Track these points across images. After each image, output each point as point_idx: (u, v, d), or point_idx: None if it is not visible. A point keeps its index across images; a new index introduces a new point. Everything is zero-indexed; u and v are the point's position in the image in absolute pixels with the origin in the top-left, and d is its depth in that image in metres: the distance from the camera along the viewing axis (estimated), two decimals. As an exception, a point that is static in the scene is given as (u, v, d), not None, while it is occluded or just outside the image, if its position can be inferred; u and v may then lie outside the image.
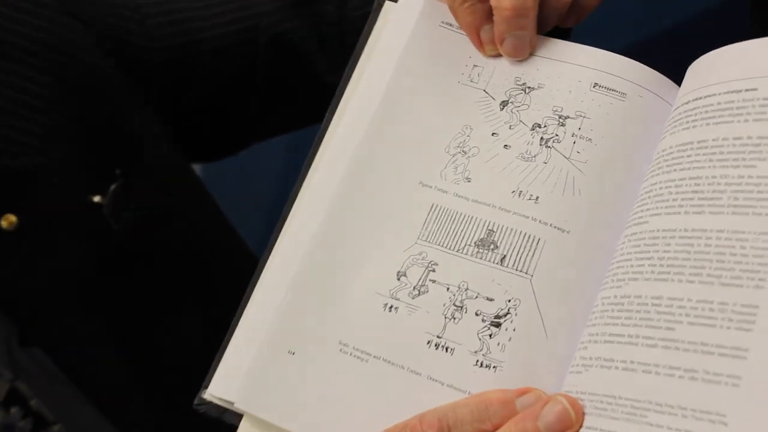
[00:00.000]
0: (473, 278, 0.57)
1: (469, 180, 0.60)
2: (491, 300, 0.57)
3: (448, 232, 0.59)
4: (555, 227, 0.58)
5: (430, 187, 0.60)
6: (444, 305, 0.57)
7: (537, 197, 0.58)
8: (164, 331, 0.83)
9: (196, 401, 0.60)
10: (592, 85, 0.60)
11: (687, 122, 0.55)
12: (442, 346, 0.56)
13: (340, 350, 0.58)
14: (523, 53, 0.62)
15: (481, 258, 0.58)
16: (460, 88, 0.63)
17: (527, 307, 0.56)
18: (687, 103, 0.56)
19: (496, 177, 0.60)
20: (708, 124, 0.54)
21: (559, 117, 0.60)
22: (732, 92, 0.54)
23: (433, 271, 0.58)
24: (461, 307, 0.57)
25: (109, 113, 0.81)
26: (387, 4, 0.66)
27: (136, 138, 0.83)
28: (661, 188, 0.55)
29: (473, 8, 0.62)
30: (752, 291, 0.48)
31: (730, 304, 0.48)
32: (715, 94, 0.55)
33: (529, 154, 0.60)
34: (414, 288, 0.58)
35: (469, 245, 0.58)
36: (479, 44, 0.63)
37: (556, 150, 0.59)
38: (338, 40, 0.85)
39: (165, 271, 0.84)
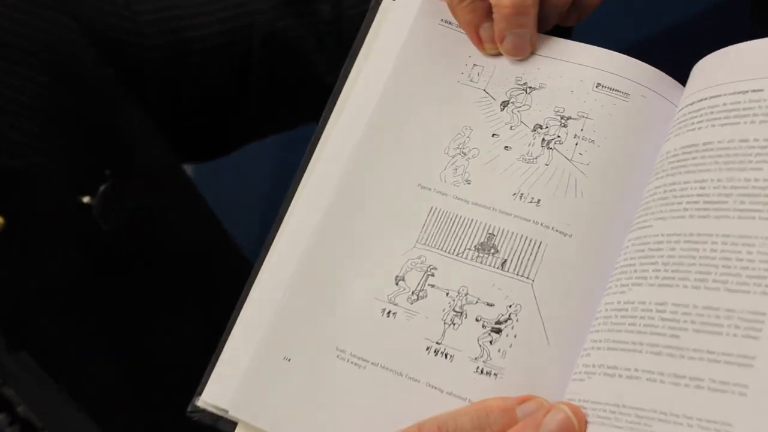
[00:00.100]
0: (473, 283, 0.57)
1: (469, 182, 0.60)
2: (492, 305, 0.57)
3: (448, 236, 0.59)
4: (557, 231, 0.57)
5: (429, 189, 0.60)
6: (443, 310, 0.57)
7: (538, 200, 0.58)
8: (156, 334, 0.83)
9: (189, 408, 0.60)
10: (595, 85, 0.60)
11: (692, 123, 0.55)
12: (442, 353, 0.56)
13: (337, 356, 0.57)
14: (524, 52, 0.62)
15: (481, 262, 0.58)
16: (459, 87, 0.63)
17: (528, 312, 0.56)
18: (692, 104, 0.56)
19: (496, 179, 0.60)
20: (714, 125, 0.54)
21: (561, 118, 0.60)
22: (738, 93, 0.54)
23: (432, 275, 0.58)
24: (461, 313, 0.57)
25: (103, 113, 0.81)
26: (385, 2, 0.66)
27: (127, 138, 0.83)
28: (665, 191, 0.54)
29: (472, 6, 0.62)
30: (759, 297, 0.48)
31: (737, 311, 0.48)
32: (720, 95, 0.55)
33: (531, 155, 0.60)
34: (413, 293, 0.58)
35: (469, 249, 0.58)
36: (479, 43, 0.63)
37: (558, 151, 0.59)
38: (335, 38, 0.85)
39: (156, 273, 0.84)
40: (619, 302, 0.54)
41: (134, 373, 0.81)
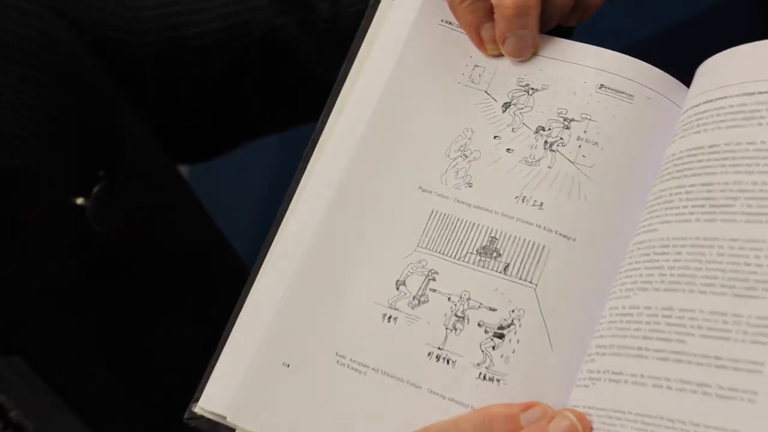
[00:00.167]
0: (475, 287, 0.57)
1: (470, 185, 0.60)
2: (494, 310, 0.56)
3: (449, 240, 0.59)
4: (560, 234, 0.57)
5: (430, 192, 0.60)
6: (445, 315, 0.57)
7: (541, 203, 0.58)
8: (152, 336, 0.83)
9: (186, 415, 0.59)
10: (598, 86, 0.60)
11: (698, 125, 0.55)
12: (444, 358, 0.56)
13: (337, 362, 0.57)
14: (526, 53, 0.62)
15: (483, 266, 0.57)
16: (460, 89, 0.63)
17: (532, 317, 0.56)
18: (697, 105, 0.56)
19: (498, 182, 0.59)
20: (720, 127, 0.54)
21: (564, 119, 0.60)
22: (745, 95, 0.54)
23: (434, 279, 0.58)
24: (463, 318, 0.57)
25: (99, 113, 0.80)
26: (384, 1, 0.65)
27: (121, 138, 0.83)
28: (671, 194, 0.54)
29: (473, 6, 0.61)
30: (768, 303, 0.48)
31: (745, 316, 0.48)
32: (727, 97, 0.54)
33: (533, 158, 0.60)
34: (414, 297, 0.58)
35: (471, 253, 0.58)
36: (480, 43, 0.63)
37: (561, 154, 0.59)
38: (333, 37, 0.85)
39: (151, 275, 0.84)
40: (624, 307, 0.53)
41: (130, 377, 0.81)
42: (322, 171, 0.62)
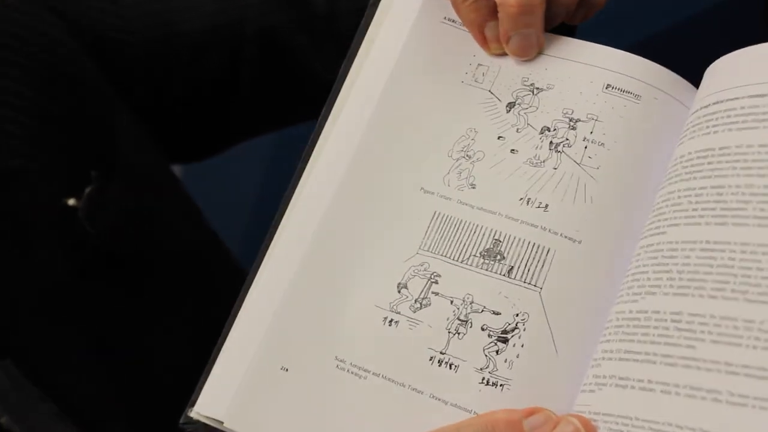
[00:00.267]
0: (479, 291, 0.57)
1: (473, 186, 0.59)
2: (498, 314, 0.56)
3: (452, 242, 0.58)
4: (565, 237, 0.57)
5: (433, 193, 0.60)
6: (447, 319, 0.57)
7: (546, 205, 0.58)
8: (146, 340, 0.83)
9: (182, 420, 0.59)
10: (605, 86, 0.60)
11: (707, 127, 0.55)
12: (446, 363, 0.56)
13: (337, 367, 0.57)
14: (530, 53, 0.62)
15: (487, 269, 0.57)
16: (463, 88, 0.62)
17: (536, 321, 0.56)
18: (707, 106, 0.56)
19: (502, 183, 0.59)
20: (730, 129, 0.54)
21: (570, 120, 0.60)
22: (756, 96, 0.53)
23: (436, 282, 0.58)
24: (466, 322, 0.56)
25: (91, 113, 0.80)
26: (385, -1, 0.65)
27: (114, 139, 0.82)
28: (679, 197, 0.54)
29: (477, 4, 0.61)
30: (780, 308, 0.48)
31: (757, 322, 0.48)
32: (737, 98, 0.54)
33: (538, 159, 0.59)
34: (415, 301, 0.57)
35: (474, 256, 0.58)
36: (483, 42, 0.63)
37: (567, 155, 0.59)
38: (330, 34, 0.84)
39: (145, 278, 0.84)
40: (631, 311, 0.53)
41: (124, 382, 0.80)
42: (321, 171, 0.62)
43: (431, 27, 0.64)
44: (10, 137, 0.74)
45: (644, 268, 0.54)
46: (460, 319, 0.56)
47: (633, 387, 0.51)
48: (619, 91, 0.60)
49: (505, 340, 0.56)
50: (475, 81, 0.63)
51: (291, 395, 0.57)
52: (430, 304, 0.57)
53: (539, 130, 0.60)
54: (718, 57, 0.58)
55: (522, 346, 0.55)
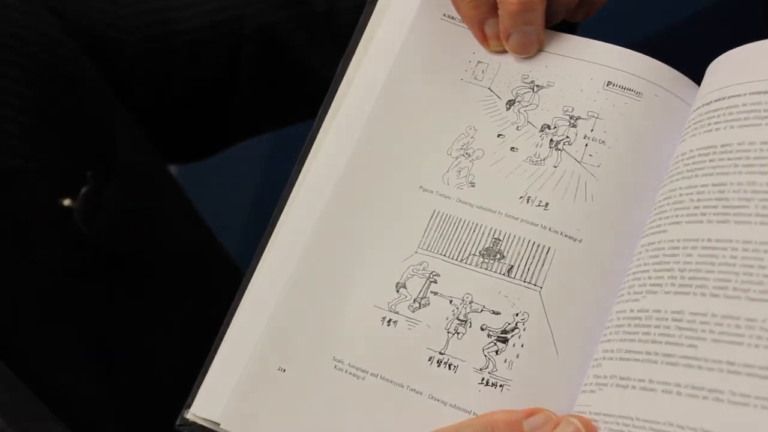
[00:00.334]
0: (478, 290, 0.57)
1: (473, 185, 0.60)
2: (497, 314, 0.56)
3: (451, 241, 0.59)
4: (566, 236, 0.57)
5: (432, 192, 0.60)
6: (447, 319, 0.57)
7: (546, 203, 0.58)
8: (145, 341, 0.83)
9: (178, 421, 0.59)
10: (605, 83, 0.60)
11: (709, 124, 0.55)
12: (445, 363, 0.56)
13: (335, 367, 0.57)
14: (531, 50, 0.62)
15: (486, 268, 0.57)
16: (463, 85, 0.63)
17: (536, 321, 0.56)
18: (708, 103, 0.56)
19: (502, 182, 0.59)
20: (732, 126, 0.54)
21: (570, 117, 0.60)
22: (759, 93, 0.54)
23: (435, 282, 0.58)
24: (465, 321, 0.56)
25: (87, 112, 0.80)
26: (384, -5, 0.65)
27: (110, 138, 0.82)
28: (681, 195, 0.54)
29: (477, 1, 0.62)
30: (783, 307, 0.48)
31: (759, 321, 0.48)
32: (740, 95, 0.54)
33: (538, 157, 0.60)
34: (414, 300, 0.58)
35: (474, 255, 0.58)
36: (483, 40, 0.63)
37: (567, 153, 0.59)
38: (328, 32, 0.85)
39: (143, 278, 0.84)
40: (632, 310, 0.53)
41: (121, 382, 0.81)
42: (319, 170, 0.62)
43: (430, 24, 0.64)
44: (10, 137, 0.74)
45: (645, 266, 0.54)
46: (459, 319, 0.57)
47: (634, 387, 0.51)
48: (620, 89, 0.60)
49: (505, 340, 0.56)
50: (475, 78, 0.63)
51: (288, 396, 0.57)
52: (428, 304, 0.57)
53: (539, 127, 0.60)
54: (720, 54, 0.58)
55: (522, 346, 0.56)
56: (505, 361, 0.55)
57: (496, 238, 0.58)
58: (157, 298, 0.85)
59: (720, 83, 0.56)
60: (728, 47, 0.58)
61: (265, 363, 0.58)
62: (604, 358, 0.54)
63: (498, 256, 0.58)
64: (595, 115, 0.60)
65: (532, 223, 0.58)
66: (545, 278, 0.57)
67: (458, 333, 0.56)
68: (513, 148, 0.60)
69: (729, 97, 0.55)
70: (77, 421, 0.75)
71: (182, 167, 1.15)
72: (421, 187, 0.60)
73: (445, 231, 0.59)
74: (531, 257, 0.57)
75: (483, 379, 0.55)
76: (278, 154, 1.24)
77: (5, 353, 0.73)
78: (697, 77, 0.60)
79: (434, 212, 0.60)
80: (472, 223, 0.59)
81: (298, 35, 0.86)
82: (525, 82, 0.62)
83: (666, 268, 0.53)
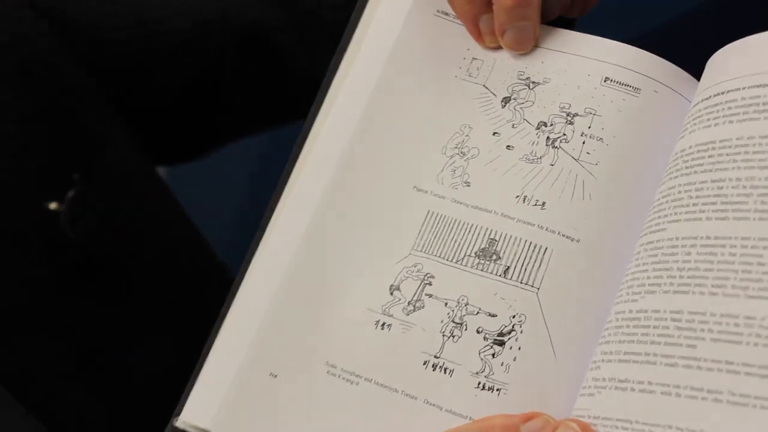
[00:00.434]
0: (474, 292, 0.57)
1: (468, 184, 0.60)
2: (494, 316, 0.57)
3: (446, 242, 0.59)
4: (563, 235, 0.58)
5: (426, 192, 0.61)
6: (442, 322, 0.57)
7: (543, 203, 0.59)
8: (129, 347, 0.83)
9: (167, 429, 0.59)
10: (603, 79, 0.61)
11: (708, 120, 0.56)
12: (440, 367, 0.56)
13: (328, 372, 0.57)
14: (526, 46, 0.63)
15: (482, 270, 0.58)
16: (457, 83, 0.63)
17: (533, 323, 0.56)
18: (708, 98, 0.57)
19: (498, 181, 0.60)
20: (731, 121, 0.54)
21: (567, 114, 0.60)
22: (758, 86, 0.54)
23: (430, 284, 0.58)
24: (461, 324, 0.57)
25: (71, 114, 0.80)
26: (375, -9, 0.66)
27: (96, 140, 0.83)
28: (680, 192, 0.55)
29: None
30: (782, 304, 0.49)
31: (758, 319, 0.49)
32: (739, 89, 0.55)
33: (535, 155, 0.60)
34: (408, 303, 0.58)
35: (469, 256, 0.58)
36: (478, 36, 0.63)
37: (564, 151, 0.60)
38: (316, 30, 0.85)
39: (128, 283, 0.84)
40: (630, 311, 0.54)
41: (106, 390, 0.81)
42: (310, 171, 0.63)
43: (423, 20, 0.65)
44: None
45: (644, 266, 0.55)
46: (454, 322, 0.57)
47: (633, 389, 0.52)
48: (618, 84, 0.60)
49: (502, 343, 0.56)
50: (470, 75, 0.63)
51: (280, 402, 0.57)
52: (423, 307, 0.58)
53: (536, 125, 0.61)
54: (720, 48, 0.58)
55: (519, 348, 0.56)
56: (502, 364, 0.56)
57: (492, 239, 0.58)
58: (146, 302, 0.85)
59: (720, 77, 0.57)
60: (728, 42, 0.58)
61: (257, 369, 0.58)
62: (602, 361, 0.54)
63: (494, 257, 0.58)
64: (593, 112, 0.60)
65: (528, 223, 0.58)
66: (542, 279, 0.57)
67: (454, 336, 0.57)
68: (509, 146, 0.61)
69: (728, 92, 0.55)
70: (64, 430, 0.75)
71: (171, 169, 1.16)
72: (414, 187, 0.61)
73: (439, 232, 0.59)
74: (528, 258, 0.58)
75: (479, 383, 0.56)
76: (269, 154, 1.24)
77: None
78: (697, 72, 0.60)
79: (428, 212, 0.60)
80: (468, 224, 0.59)
81: (283, 34, 0.86)
82: (521, 79, 0.62)
83: (665, 268, 0.53)
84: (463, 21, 0.63)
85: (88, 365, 0.80)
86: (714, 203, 0.53)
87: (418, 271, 0.59)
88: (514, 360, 0.56)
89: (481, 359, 0.56)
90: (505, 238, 0.58)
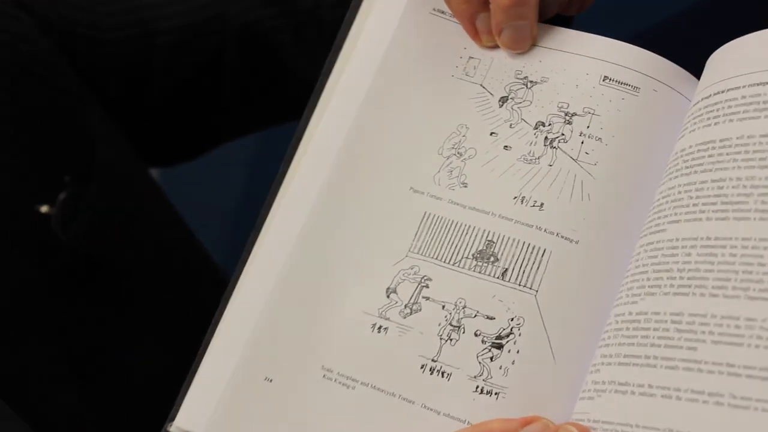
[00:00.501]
0: (471, 295, 0.58)
1: (465, 185, 0.60)
2: (492, 319, 0.57)
3: (443, 244, 0.59)
4: (562, 237, 0.58)
5: (422, 193, 0.61)
6: (439, 325, 0.57)
7: (541, 204, 0.59)
8: (123, 351, 0.83)
9: (161, 434, 0.60)
10: (602, 78, 0.61)
11: (708, 119, 0.56)
12: (438, 371, 0.57)
13: (324, 376, 0.58)
14: (524, 45, 0.63)
15: (480, 272, 0.58)
16: (454, 82, 0.63)
17: (532, 326, 0.56)
18: (708, 97, 0.57)
19: (495, 181, 0.60)
20: (732, 120, 0.54)
21: (566, 114, 0.61)
22: (758, 85, 0.54)
23: (427, 287, 0.58)
24: (458, 327, 0.57)
25: (63, 115, 0.81)
26: (371, -10, 0.66)
27: (88, 141, 0.83)
28: (680, 192, 0.55)
29: None
30: (783, 305, 0.49)
31: (759, 320, 0.49)
32: (739, 87, 0.55)
33: (532, 155, 0.60)
34: (405, 306, 0.58)
35: (467, 258, 0.58)
36: (475, 35, 0.63)
37: (563, 151, 0.60)
38: (314, 29, 0.85)
39: (122, 286, 0.84)
40: (630, 313, 0.54)
41: (99, 394, 0.81)
42: (305, 172, 0.63)
43: (420, 19, 0.65)
44: None
45: (644, 267, 0.55)
46: (452, 325, 0.57)
47: (633, 392, 0.52)
48: (616, 83, 0.60)
49: (500, 346, 0.56)
50: (466, 75, 0.63)
51: (276, 407, 0.57)
52: (420, 310, 0.58)
53: (533, 125, 0.61)
54: (720, 46, 0.59)
55: (517, 352, 0.56)
56: (501, 367, 0.56)
57: (489, 241, 0.59)
58: (139, 305, 0.85)
59: (720, 76, 0.57)
60: (728, 40, 0.58)
61: (252, 373, 0.58)
62: (602, 364, 0.54)
63: (492, 258, 0.58)
64: (592, 112, 0.60)
65: (526, 225, 0.58)
66: (541, 281, 0.57)
67: (451, 339, 0.57)
68: (506, 146, 0.61)
69: (728, 90, 0.55)
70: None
71: (164, 170, 1.16)
72: (411, 188, 0.61)
73: (436, 233, 0.59)
74: (526, 260, 0.58)
75: (477, 386, 0.56)
76: (264, 155, 1.25)
77: None
78: (697, 71, 0.60)
79: (425, 214, 0.60)
80: (465, 225, 0.59)
81: (282, 34, 0.86)
82: (518, 78, 0.62)
83: (665, 269, 0.53)
84: (460, 20, 0.63)
85: (80, 368, 0.80)
86: (714, 203, 0.53)
87: (415, 273, 0.59)
88: (513, 363, 0.56)
89: (479, 362, 0.56)
90: (502, 239, 0.58)
